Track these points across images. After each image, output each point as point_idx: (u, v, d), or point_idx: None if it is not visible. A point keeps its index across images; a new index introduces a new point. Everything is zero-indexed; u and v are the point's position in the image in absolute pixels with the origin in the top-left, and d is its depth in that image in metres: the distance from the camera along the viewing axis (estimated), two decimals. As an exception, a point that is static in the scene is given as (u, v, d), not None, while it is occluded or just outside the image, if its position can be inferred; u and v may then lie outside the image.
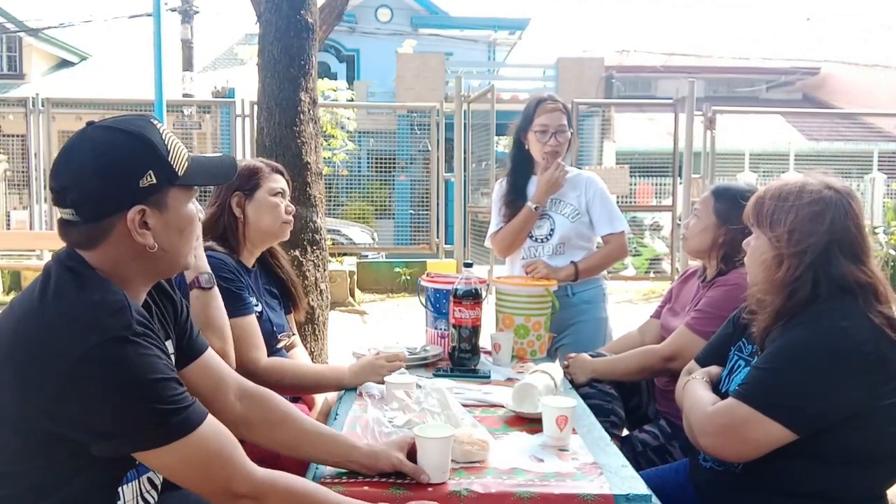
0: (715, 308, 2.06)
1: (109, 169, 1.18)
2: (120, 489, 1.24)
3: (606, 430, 2.02)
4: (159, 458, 1.14)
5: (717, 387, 1.68)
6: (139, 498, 1.29)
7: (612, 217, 2.84)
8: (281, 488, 1.23)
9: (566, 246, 2.82)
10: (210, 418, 1.20)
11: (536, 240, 2.85)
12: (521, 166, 2.92)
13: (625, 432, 2.25)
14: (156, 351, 1.15)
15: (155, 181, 1.19)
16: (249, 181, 2.11)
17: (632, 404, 2.31)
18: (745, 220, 1.65)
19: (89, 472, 1.17)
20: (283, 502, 1.23)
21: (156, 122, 1.25)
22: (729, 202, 2.11)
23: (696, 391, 1.64)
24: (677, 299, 2.39)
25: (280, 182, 2.15)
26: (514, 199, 2.88)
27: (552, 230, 2.83)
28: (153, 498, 1.33)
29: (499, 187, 3.01)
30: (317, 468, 1.47)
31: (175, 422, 1.13)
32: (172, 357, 1.36)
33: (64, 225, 1.21)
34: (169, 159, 1.21)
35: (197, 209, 1.33)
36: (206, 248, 1.97)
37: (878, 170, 10.35)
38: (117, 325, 1.12)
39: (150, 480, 1.32)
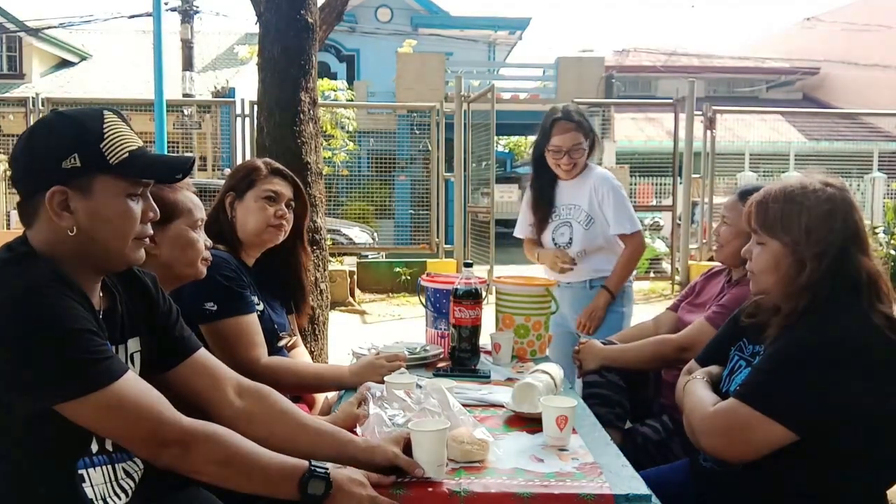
0: (738, 305, 2.04)
1: (35, 148, 1.23)
2: (85, 472, 1.24)
3: (610, 421, 2.03)
4: (83, 408, 1.15)
5: (717, 387, 1.68)
6: (114, 483, 1.29)
7: (623, 218, 2.86)
8: (210, 435, 1.24)
9: (586, 252, 2.92)
10: (132, 373, 1.22)
11: (560, 247, 2.96)
12: (545, 176, 3.00)
13: (627, 425, 2.25)
14: (72, 304, 1.16)
15: (79, 164, 1.21)
16: (243, 181, 2.10)
17: (638, 397, 2.31)
18: (746, 227, 1.62)
19: (33, 443, 1.18)
20: (211, 450, 1.24)
21: (109, 113, 1.27)
22: None
23: (696, 391, 1.64)
24: (700, 293, 2.39)
25: (276, 185, 2.11)
26: (541, 205, 3.01)
27: (571, 238, 2.94)
28: (129, 486, 1.33)
29: (527, 195, 3.13)
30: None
31: (94, 371, 1.15)
32: (137, 356, 1.37)
33: (17, 205, 1.27)
34: (101, 146, 1.22)
35: (149, 209, 1.30)
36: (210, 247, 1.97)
37: (878, 170, 10.36)
38: (24, 280, 1.14)
39: (126, 471, 1.32)
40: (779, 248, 1.53)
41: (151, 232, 1.33)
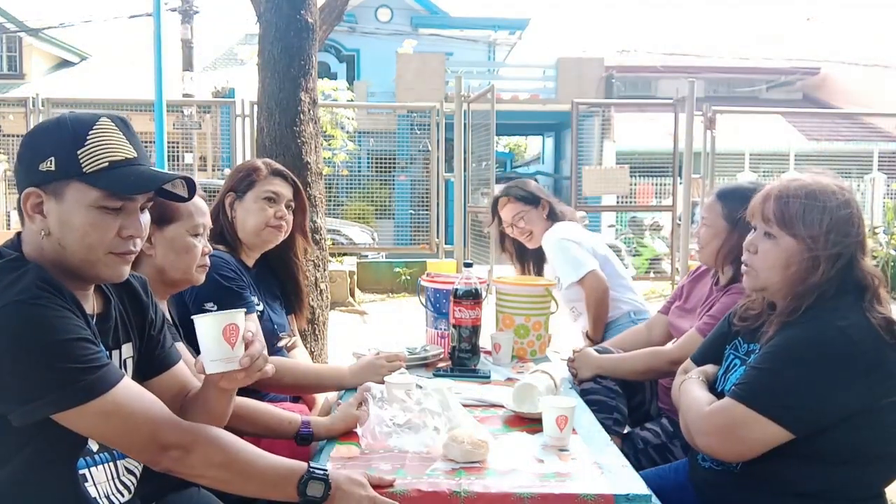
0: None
1: (23, 150, 1.23)
2: (87, 471, 1.25)
3: (609, 427, 2.03)
4: (81, 417, 1.16)
5: (713, 386, 1.68)
6: (116, 481, 1.30)
7: (565, 269, 2.86)
8: (209, 437, 1.25)
9: (576, 308, 2.97)
10: (128, 378, 1.22)
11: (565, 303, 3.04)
12: (520, 247, 3.10)
13: (626, 429, 2.25)
14: (64, 313, 1.15)
15: (53, 168, 1.19)
16: (243, 182, 2.10)
17: (635, 402, 2.31)
18: (758, 219, 1.58)
19: (33, 447, 1.18)
20: (211, 452, 1.24)
21: (105, 120, 1.23)
22: (737, 203, 2.06)
23: (692, 391, 1.64)
24: (688, 298, 2.38)
25: (277, 185, 2.11)
26: (526, 261, 3.12)
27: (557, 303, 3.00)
28: (131, 482, 1.34)
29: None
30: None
31: (90, 380, 1.15)
32: (130, 361, 1.36)
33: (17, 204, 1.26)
34: (78, 153, 1.19)
35: (130, 227, 1.24)
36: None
37: (878, 170, 10.37)
38: (15, 290, 1.13)
39: (127, 467, 1.33)
40: (793, 244, 1.51)
41: (134, 249, 1.27)
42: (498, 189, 3.13)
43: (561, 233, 2.92)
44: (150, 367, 1.41)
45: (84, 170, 1.19)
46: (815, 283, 1.49)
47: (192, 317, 1.28)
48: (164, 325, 1.46)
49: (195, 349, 1.76)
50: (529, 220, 2.98)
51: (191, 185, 1.32)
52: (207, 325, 1.25)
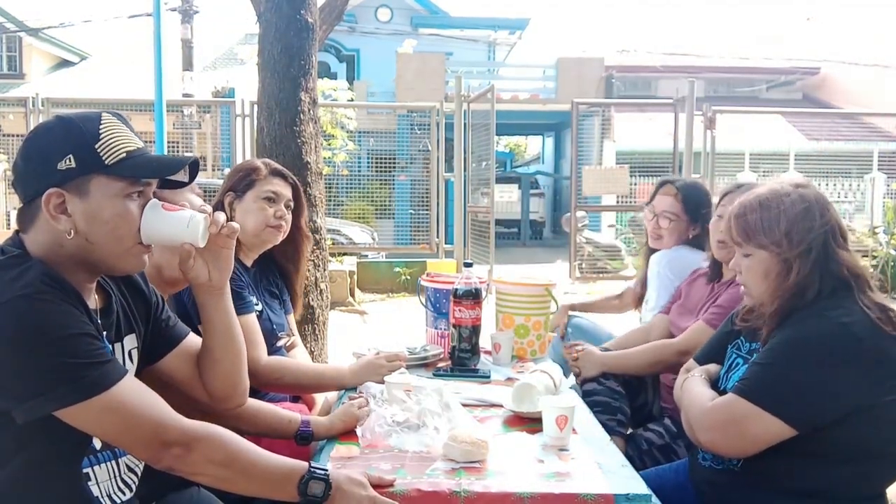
0: (734, 305, 2.03)
1: (32, 150, 1.23)
2: (90, 470, 1.25)
3: (613, 428, 2.03)
4: (84, 414, 1.15)
5: (715, 385, 1.68)
6: (117, 479, 1.30)
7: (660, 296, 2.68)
8: (210, 435, 1.25)
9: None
10: (131, 375, 1.23)
11: None
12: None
13: (629, 430, 2.25)
14: (67, 308, 1.16)
15: (74, 165, 1.20)
16: (242, 181, 2.10)
17: (637, 402, 2.32)
18: (730, 240, 1.64)
19: (36, 446, 1.18)
20: (212, 450, 1.25)
21: (107, 115, 1.26)
22: None
23: (694, 388, 1.64)
24: (687, 298, 2.38)
25: (276, 185, 2.11)
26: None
27: None
28: (133, 481, 1.34)
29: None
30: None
31: (93, 376, 1.15)
32: (135, 352, 1.37)
33: (18, 210, 1.27)
34: (96, 147, 1.21)
35: (147, 210, 1.27)
36: None
37: (878, 170, 10.34)
38: (18, 285, 1.13)
39: (128, 465, 1.33)
40: (765, 255, 1.55)
41: None
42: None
43: (677, 264, 2.58)
44: (162, 345, 1.43)
45: (105, 162, 1.21)
46: (793, 283, 1.51)
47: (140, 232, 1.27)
48: (164, 304, 1.48)
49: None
50: (672, 228, 2.62)
51: (194, 169, 1.34)
52: (151, 211, 1.27)
